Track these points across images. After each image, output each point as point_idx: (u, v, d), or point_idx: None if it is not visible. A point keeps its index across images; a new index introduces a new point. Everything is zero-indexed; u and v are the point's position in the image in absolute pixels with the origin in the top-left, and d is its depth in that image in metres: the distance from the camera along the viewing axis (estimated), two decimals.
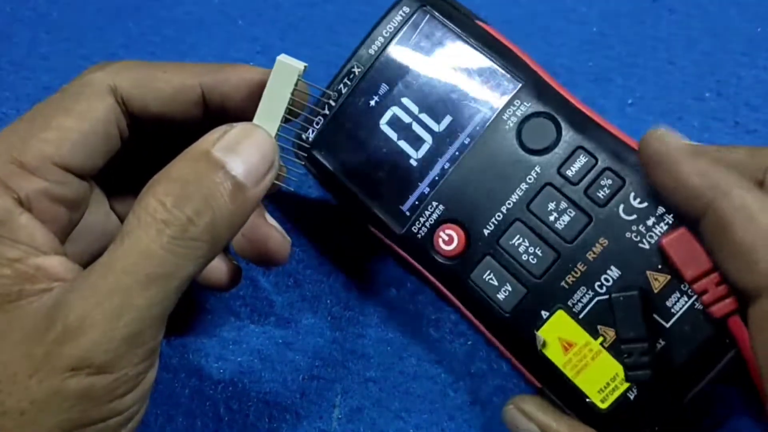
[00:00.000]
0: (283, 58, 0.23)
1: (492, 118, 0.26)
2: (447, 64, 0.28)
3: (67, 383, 0.18)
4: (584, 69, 0.39)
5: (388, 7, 0.42)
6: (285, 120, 0.24)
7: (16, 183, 0.21)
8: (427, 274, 0.27)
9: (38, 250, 0.21)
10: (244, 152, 0.21)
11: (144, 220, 0.19)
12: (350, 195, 0.28)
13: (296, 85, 0.23)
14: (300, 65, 0.23)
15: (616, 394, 0.24)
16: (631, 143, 0.26)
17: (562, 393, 0.24)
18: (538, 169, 0.26)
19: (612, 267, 0.24)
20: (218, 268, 0.27)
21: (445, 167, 0.27)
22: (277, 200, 0.34)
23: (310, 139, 0.29)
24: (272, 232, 0.26)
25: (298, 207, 0.34)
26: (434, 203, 0.27)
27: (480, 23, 0.28)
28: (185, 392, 0.30)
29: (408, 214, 0.27)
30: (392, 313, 0.31)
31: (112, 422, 0.19)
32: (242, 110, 0.24)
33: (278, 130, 0.23)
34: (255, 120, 0.23)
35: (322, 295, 0.32)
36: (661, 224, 0.24)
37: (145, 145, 0.26)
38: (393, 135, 0.28)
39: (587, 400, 0.24)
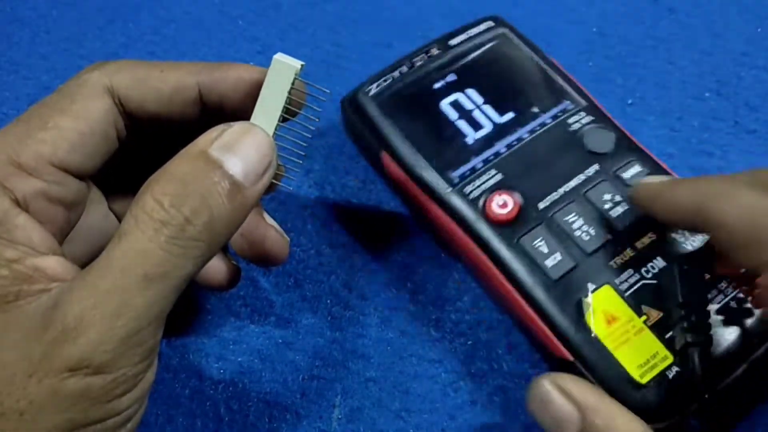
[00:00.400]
0: (279, 57, 0.23)
1: (557, 121, 0.30)
2: (519, 71, 0.32)
3: (66, 383, 0.18)
4: (584, 69, 0.39)
5: (387, 7, 0.42)
6: (282, 119, 0.24)
7: (14, 183, 0.21)
8: (464, 236, 0.28)
9: (36, 250, 0.20)
10: (242, 151, 0.21)
11: (141, 219, 0.19)
12: (398, 151, 0.30)
13: (293, 83, 0.23)
14: (297, 64, 0.23)
15: (656, 371, 0.24)
16: (664, 166, 0.30)
17: (598, 366, 0.25)
18: (596, 166, 0.29)
19: (658, 258, 0.26)
20: (217, 268, 0.27)
21: (501, 151, 0.30)
22: (276, 200, 0.34)
23: (372, 93, 0.31)
24: (270, 231, 0.26)
25: (298, 207, 0.34)
26: (492, 171, 0.29)
27: (548, 57, 0.33)
28: (185, 392, 0.30)
29: (457, 180, 0.29)
30: (392, 313, 0.31)
31: (111, 422, 0.19)
32: (240, 109, 0.24)
33: (276, 129, 0.23)
34: (252, 119, 0.23)
35: (322, 295, 0.32)
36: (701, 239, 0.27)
37: (143, 145, 0.26)
38: (453, 115, 0.31)
39: (626, 373, 0.24)
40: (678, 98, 0.37)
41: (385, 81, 0.31)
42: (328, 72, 0.39)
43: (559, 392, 0.22)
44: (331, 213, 0.34)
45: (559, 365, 0.26)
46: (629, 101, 0.37)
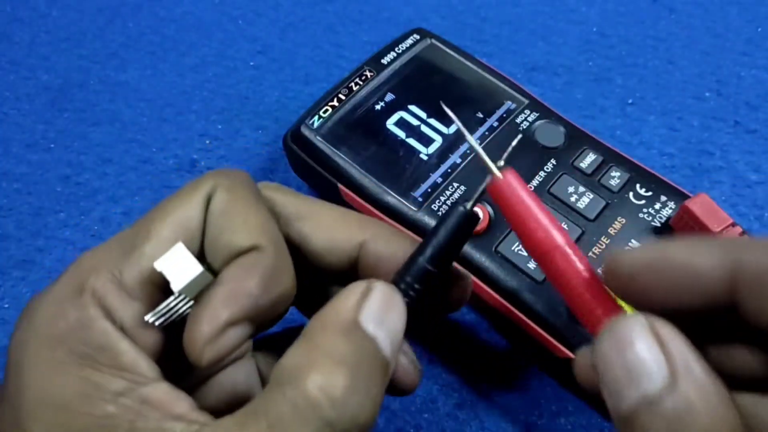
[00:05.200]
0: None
1: (505, 122, 0.30)
2: (455, 80, 0.32)
3: None
4: (584, 69, 0.39)
5: (387, 7, 0.42)
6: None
7: (113, 304, 0.18)
8: None
9: (145, 377, 0.18)
10: (390, 323, 0.18)
11: (302, 411, 0.16)
12: (356, 182, 0.29)
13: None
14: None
15: None
16: (616, 150, 0.30)
17: None
18: (553, 161, 0.29)
19: (632, 240, 0.27)
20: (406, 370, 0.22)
21: (457, 162, 0.29)
22: None
23: (315, 125, 0.30)
24: (403, 360, 0.22)
25: None
26: (455, 184, 0.29)
27: (477, 59, 0.33)
28: None
29: (421, 200, 0.28)
30: None
31: None
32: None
33: None
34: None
35: None
36: (666, 208, 0.28)
37: None
38: (401, 134, 0.30)
39: None
40: (678, 98, 0.37)
41: (325, 112, 0.30)
42: (329, 72, 0.39)
43: (651, 338, 0.16)
44: None
45: (561, 365, 0.26)
46: (629, 101, 0.37)
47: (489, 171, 0.19)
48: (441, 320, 0.30)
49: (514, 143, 0.22)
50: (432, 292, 0.21)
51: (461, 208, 0.20)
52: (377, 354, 0.18)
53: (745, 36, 0.40)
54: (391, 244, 0.21)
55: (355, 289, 0.19)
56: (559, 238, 0.18)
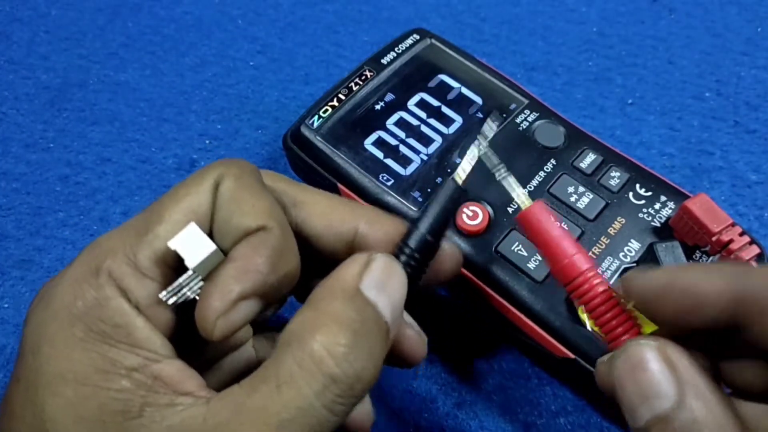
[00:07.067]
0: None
1: (505, 122, 0.31)
2: (455, 80, 0.32)
3: None
4: (584, 69, 0.39)
5: (387, 7, 0.42)
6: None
7: (129, 284, 0.19)
8: None
9: (159, 353, 0.18)
10: (390, 290, 0.19)
11: (308, 369, 0.17)
12: (356, 182, 0.29)
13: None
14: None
15: None
16: (616, 150, 0.30)
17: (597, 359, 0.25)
18: (553, 161, 0.29)
19: (632, 240, 0.27)
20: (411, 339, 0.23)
21: (457, 162, 0.29)
22: None
23: (315, 125, 0.30)
24: (408, 331, 0.22)
25: None
26: None
27: (477, 59, 0.33)
28: None
29: (421, 200, 0.28)
30: None
31: None
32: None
33: None
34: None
35: None
36: (666, 208, 0.28)
37: None
38: (401, 134, 0.30)
39: None
40: (678, 98, 0.37)
41: (325, 112, 0.30)
42: (328, 72, 0.39)
43: (661, 361, 0.17)
44: None
45: (560, 364, 0.26)
46: (629, 101, 0.37)
47: (520, 204, 0.21)
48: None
49: (495, 126, 0.23)
50: (428, 262, 0.22)
51: (451, 180, 0.22)
52: (378, 318, 0.19)
53: (745, 36, 0.40)
54: (385, 227, 0.22)
55: (358, 259, 0.20)
56: (582, 263, 0.20)
